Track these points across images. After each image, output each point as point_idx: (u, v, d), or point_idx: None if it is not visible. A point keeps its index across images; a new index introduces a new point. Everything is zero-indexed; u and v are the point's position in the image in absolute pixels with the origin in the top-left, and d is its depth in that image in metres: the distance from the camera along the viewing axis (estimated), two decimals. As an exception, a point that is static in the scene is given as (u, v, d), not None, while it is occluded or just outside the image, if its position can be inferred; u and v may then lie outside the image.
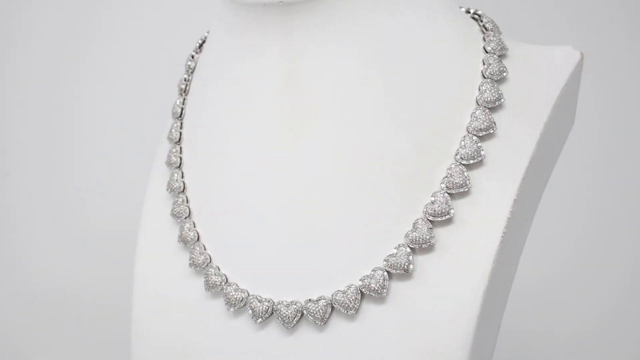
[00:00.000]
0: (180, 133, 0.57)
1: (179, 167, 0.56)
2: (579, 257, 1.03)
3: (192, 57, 0.60)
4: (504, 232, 0.45)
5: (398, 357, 0.45)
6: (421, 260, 0.46)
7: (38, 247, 1.16)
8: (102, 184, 1.19)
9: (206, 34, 0.62)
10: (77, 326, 1.02)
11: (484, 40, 0.51)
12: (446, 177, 0.46)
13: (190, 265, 0.52)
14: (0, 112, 1.23)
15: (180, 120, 0.58)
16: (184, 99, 0.59)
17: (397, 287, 0.46)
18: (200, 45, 0.61)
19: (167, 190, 0.56)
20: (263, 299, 0.48)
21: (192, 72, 0.60)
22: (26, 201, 1.20)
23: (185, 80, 0.59)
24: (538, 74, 0.51)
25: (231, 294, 0.49)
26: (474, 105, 0.48)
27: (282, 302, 0.48)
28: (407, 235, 0.46)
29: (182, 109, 0.58)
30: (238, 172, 0.51)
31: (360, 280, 0.46)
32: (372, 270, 0.46)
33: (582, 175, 1.07)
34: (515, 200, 0.46)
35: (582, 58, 0.52)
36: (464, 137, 0.47)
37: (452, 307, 0.44)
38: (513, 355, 0.86)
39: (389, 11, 0.47)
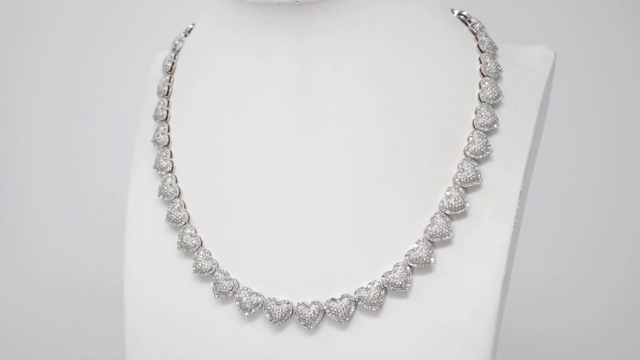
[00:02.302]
0: (169, 136, 0.55)
1: (171, 171, 0.54)
2: (581, 259, 1.04)
3: (172, 57, 0.58)
4: (514, 223, 0.47)
5: (424, 351, 0.46)
6: (440, 253, 0.47)
7: (49, 241, 1.15)
8: (107, 179, 1.18)
9: (182, 34, 0.60)
10: (79, 322, 1.01)
11: (477, 39, 0.53)
12: (459, 172, 0.48)
13: (195, 271, 0.50)
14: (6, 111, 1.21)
15: (167, 122, 0.56)
16: (168, 101, 0.56)
17: (419, 281, 0.47)
18: (177, 46, 0.59)
19: (159, 195, 0.53)
20: (281, 301, 0.48)
21: (172, 73, 0.57)
22: (29, 198, 1.20)
23: (167, 81, 0.57)
24: (524, 71, 0.54)
25: (245, 298, 0.48)
26: (476, 102, 0.50)
27: (302, 303, 0.47)
28: (426, 230, 0.47)
29: (167, 111, 0.56)
30: (246, 174, 0.50)
31: (383, 276, 0.46)
32: (395, 266, 0.47)
33: (584, 177, 1.09)
34: (520, 191, 0.48)
35: (555, 57, 0.56)
36: (472, 132, 0.49)
37: (475, 297, 0.46)
38: (514, 356, 0.88)
39: (397, 12, 0.48)
